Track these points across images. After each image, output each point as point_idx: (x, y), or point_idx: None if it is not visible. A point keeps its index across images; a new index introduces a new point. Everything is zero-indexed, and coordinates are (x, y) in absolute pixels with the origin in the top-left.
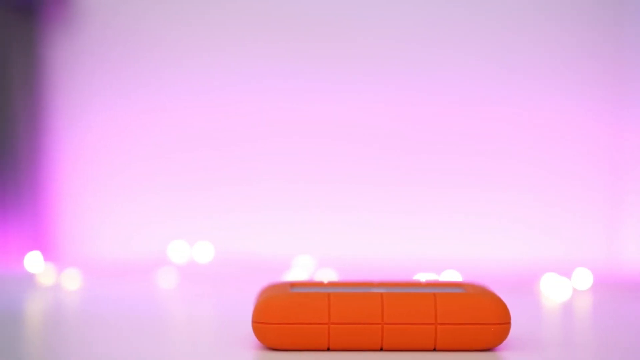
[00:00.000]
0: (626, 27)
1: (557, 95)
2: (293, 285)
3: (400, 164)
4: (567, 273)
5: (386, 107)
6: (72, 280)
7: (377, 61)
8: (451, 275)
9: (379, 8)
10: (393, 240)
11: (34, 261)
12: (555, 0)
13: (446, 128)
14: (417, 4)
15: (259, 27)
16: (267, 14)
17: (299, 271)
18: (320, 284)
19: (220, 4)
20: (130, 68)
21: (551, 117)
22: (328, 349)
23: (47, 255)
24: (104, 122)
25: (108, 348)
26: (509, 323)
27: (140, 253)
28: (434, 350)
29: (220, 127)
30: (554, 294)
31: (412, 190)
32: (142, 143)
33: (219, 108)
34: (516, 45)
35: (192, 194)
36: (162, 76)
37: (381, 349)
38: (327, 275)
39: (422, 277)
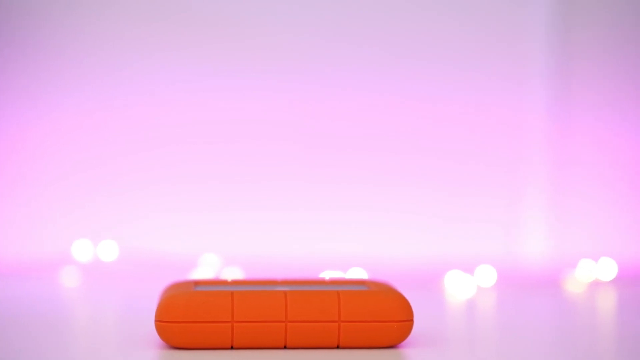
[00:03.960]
0: (537, 27)
1: (460, 94)
2: (197, 283)
3: (306, 160)
4: (470, 270)
5: (290, 102)
6: None
7: (277, 55)
8: (357, 273)
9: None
10: (299, 238)
11: None
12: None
13: (348, 123)
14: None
15: (194, 22)
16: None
17: (205, 269)
18: (224, 282)
19: None
20: (24, 70)
21: (453, 115)
22: (232, 348)
23: None
24: (6, 119)
25: (7, 348)
26: (411, 320)
27: (43, 251)
28: (338, 347)
29: (126, 129)
30: (458, 290)
31: (318, 187)
32: (45, 141)
33: (119, 109)
34: (429, 40)
35: (97, 192)
36: (64, 76)
37: (285, 347)
38: (233, 274)
39: (328, 274)
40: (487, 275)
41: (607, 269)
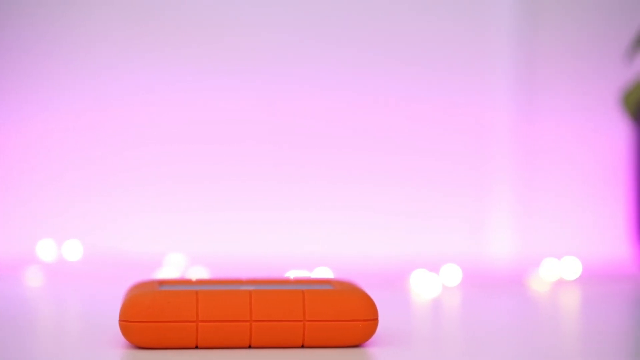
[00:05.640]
0: (502, 25)
1: (425, 92)
2: (161, 283)
3: (271, 159)
4: (435, 269)
5: (256, 100)
6: None
7: (248, 54)
8: (323, 273)
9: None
10: (265, 237)
11: None
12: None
13: (314, 122)
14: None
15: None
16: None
17: (170, 269)
18: (188, 282)
19: None
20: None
21: (418, 113)
22: (196, 347)
23: None
24: None
25: None
26: (376, 319)
27: (7, 251)
28: (302, 346)
29: (90, 131)
30: (423, 289)
31: (284, 186)
32: (9, 140)
33: (84, 111)
34: (394, 40)
35: (61, 191)
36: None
37: (250, 346)
38: (198, 273)
39: (293, 274)
40: (452, 275)
41: (571, 268)
